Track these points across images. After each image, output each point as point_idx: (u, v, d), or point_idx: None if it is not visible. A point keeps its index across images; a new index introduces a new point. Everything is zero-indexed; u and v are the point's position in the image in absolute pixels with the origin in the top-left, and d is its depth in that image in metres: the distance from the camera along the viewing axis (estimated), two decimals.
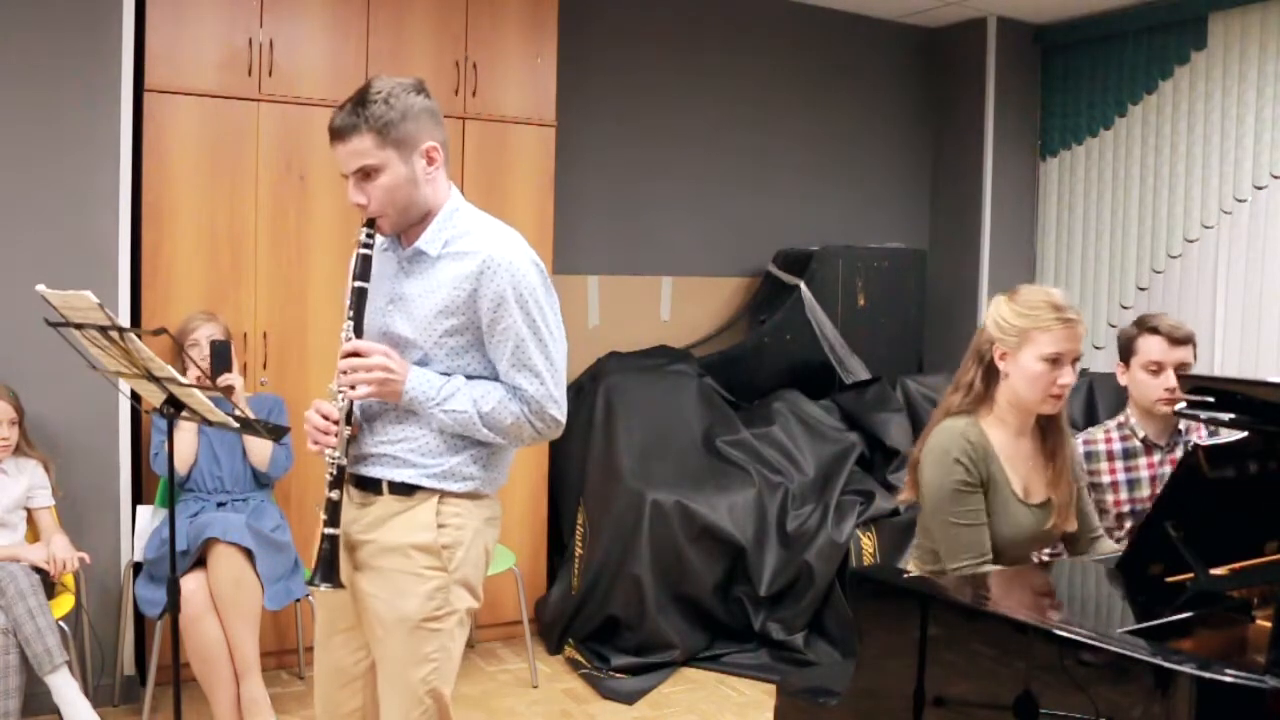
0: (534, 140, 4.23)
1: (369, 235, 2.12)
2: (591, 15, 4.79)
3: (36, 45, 3.44)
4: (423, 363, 2.13)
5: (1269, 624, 1.63)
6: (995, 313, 2.37)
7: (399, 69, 3.93)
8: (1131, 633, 1.66)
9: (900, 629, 1.86)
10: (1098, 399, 5.05)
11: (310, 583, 2.08)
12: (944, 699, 1.78)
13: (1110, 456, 2.85)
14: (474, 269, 2.09)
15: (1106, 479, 2.83)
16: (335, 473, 2.08)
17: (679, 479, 4.23)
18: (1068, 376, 2.30)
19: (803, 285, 4.95)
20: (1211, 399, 1.83)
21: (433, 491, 2.13)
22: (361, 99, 2.08)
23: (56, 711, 3.11)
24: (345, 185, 2.14)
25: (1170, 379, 2.80)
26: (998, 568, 2.27)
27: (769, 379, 4.94)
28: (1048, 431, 2.42)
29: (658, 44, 5.03)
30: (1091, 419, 5.04)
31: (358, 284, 2.11)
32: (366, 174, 2.08)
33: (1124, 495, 2.82)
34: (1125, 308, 5.34)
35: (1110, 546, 2.50)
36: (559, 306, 2.20)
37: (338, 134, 2.08)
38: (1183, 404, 1.89)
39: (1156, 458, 2.84)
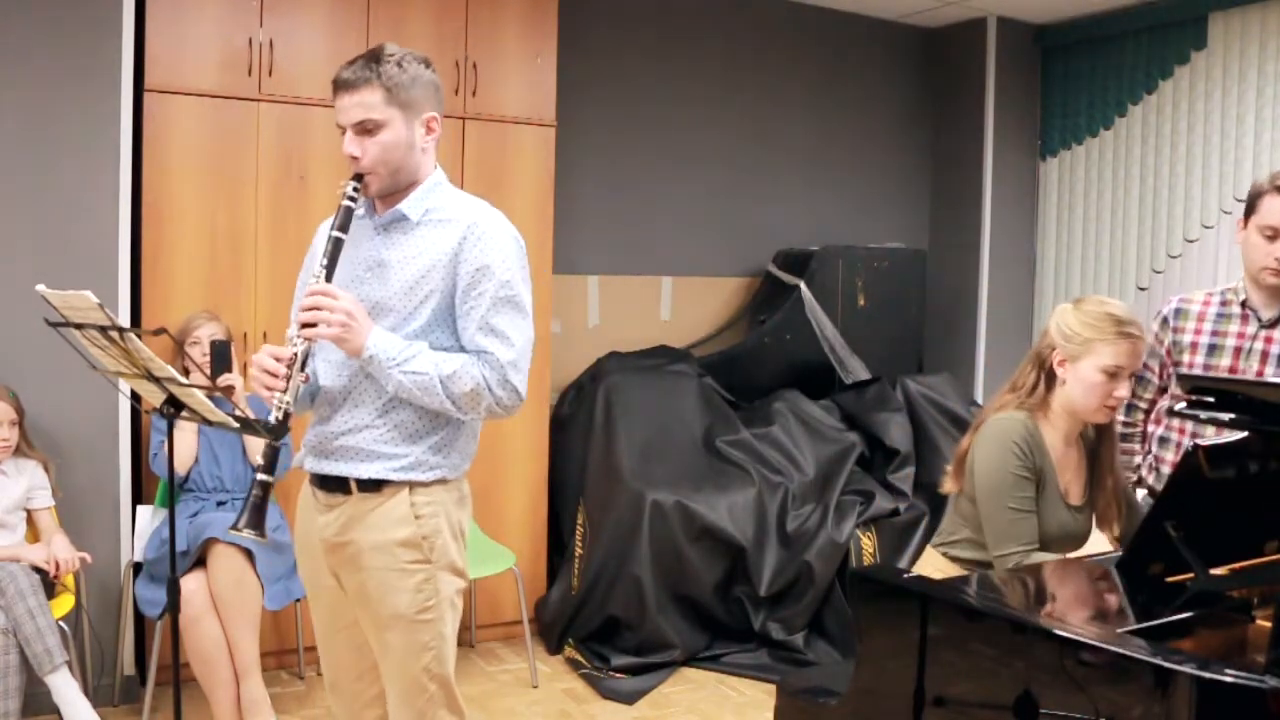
0: (534, 140, 4.22)
1: (355, 189, 2.11)
2: (591, 15, 4.79)
3: (37, 46, 3.44)
4: (392, 330, 2.12)
5: (1269, 624, 1.62)
6: (1060, 319, 2.40)
7: None
8: (1131, 633, 1.66)
9: (900, 629, 1.85)
10: None
11: (234, 528, 2.03)
12: (944, 699, 1.78)
13: (1200, 317, 2.64)
14: (457, 235, 2.11)
15: (1188, 338, 2.64)
16: (280, 418, 2.03)
17: (679, 479, 4.23)
18: (1124, 390, 2.34)
19: (803, 285, 4.95)
20: (1211, 399, 1.83)
21: (401, 484, 2.13)
22: (375, 56, 2.09)
23: (56, 711, 3.11)
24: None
25: None
26: (1039, 558, 2.29)
27: (769, 379, 4.94)
28: (1100, 439, 2.48)
29: (657, 44, 5.03)
30: None
31: (336, 234, 2.09)
32: (366, 129, 2.09)
33: (1200, 358, 2.62)
34: None
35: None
36: (531, 288, 2.21)
37: (347, 85, 2.09)
38: (1182, 404, 1.89)
39: (1251, 329, 2.56)
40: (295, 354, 2.05)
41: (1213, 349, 2.59)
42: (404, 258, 2.14)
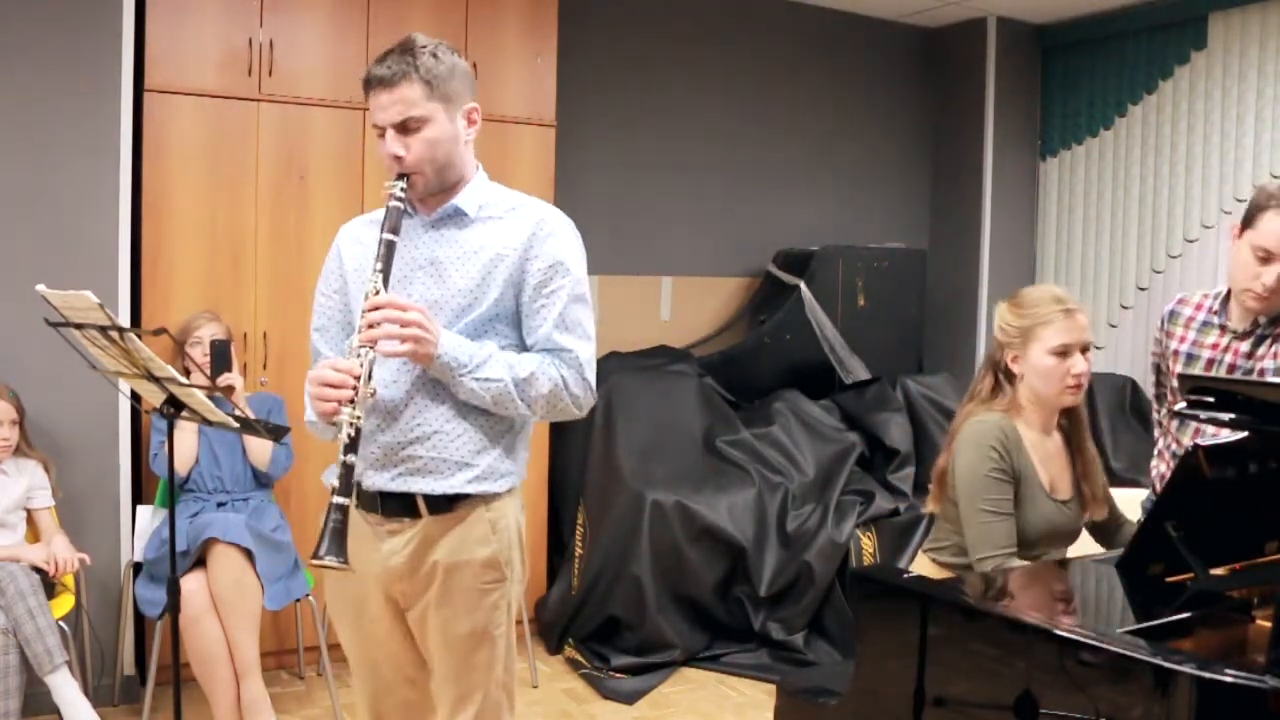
0: (534, 140, 4.22)
1: (403, 190, 1.99)
2: (591, 15, 4.79)
3: (37, 46, 3.44)
4: (449, 328, 2.01)
5: (1269, 624, 1.63)
6: (999, 319, 2.44)
7: None
8: (1131, 633, 1.66)
9: (900, 629, 1.85)
10: (1098, 399, 5.05)
11: (316, 556, 1.84)
12: (944, 699, 1.78)
13: (1188, 324, 2.57)
14: (525, 230, 2.03)
15: (1174, 345, 2.58)
16: (353, 434, 1.88)
17: (679, 479, 4.23)
18: (1080, 365, 2.34)
19: (803, 285, 4.95)
20: (1211, 399, 1.82)
21: (476, 499, 2.02)
22: (408, 49, 1.99)
23: (56, 711, 3.11)
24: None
25: (1271, 275, 2.30)
26: (1016, 564, 2.28)
27: (769, 379, 4.94)
28: (1071, 428, 2.48)
29: (657, 44, 5.03)
30: (1092, 419, 5.03)
31: (388, 236, 1.95)
32: (408, 127, 1.98)
33: (1179, 366, 2.57)
34: (1125, 308, 5.35)
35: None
36: None
37: (383, 81, 1.97)
38: (1182, 404, 1.88)
39: (1226, 340, 2.48)
40: (362, 366, 1.90)
41: (1190, 359, 2.57)
42: (463, 254, 2.03)
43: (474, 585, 2.04)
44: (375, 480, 2.02)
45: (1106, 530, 2.56)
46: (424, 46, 2.01)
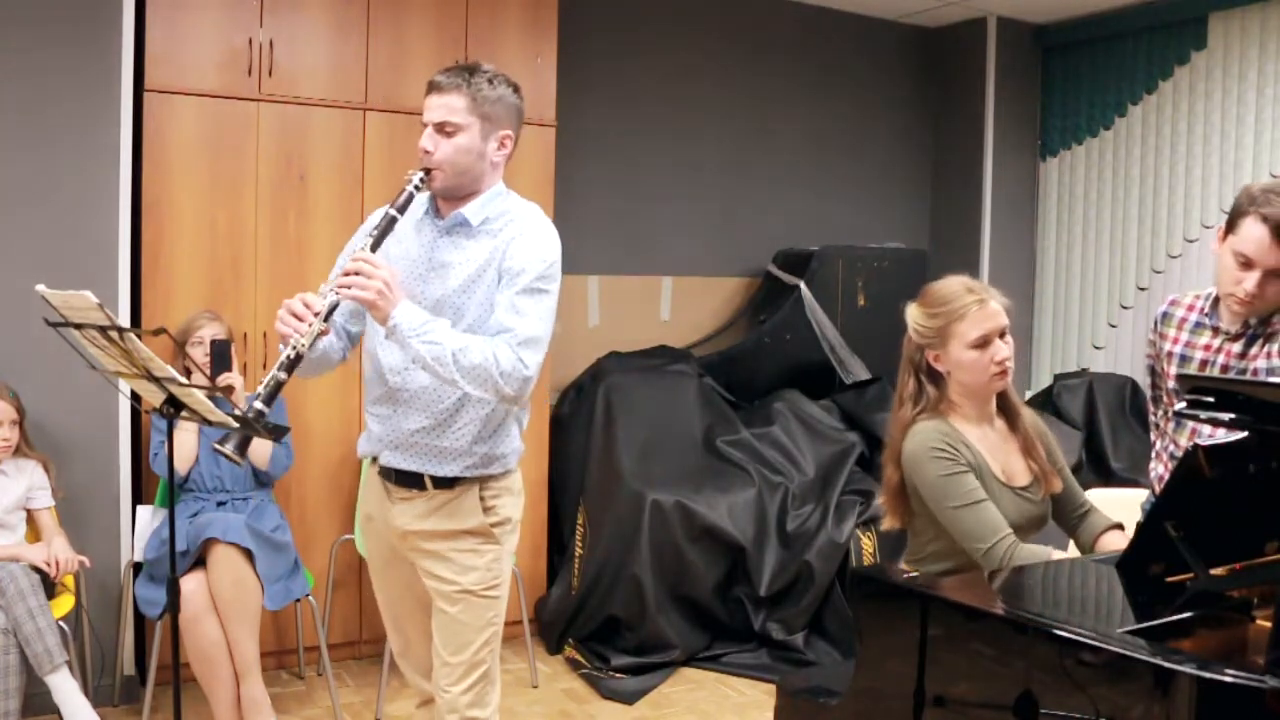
0: (534, 140, 4.22)
1: (422, 180, 2.25)
2: (591, 15, 4.79)
3: (36, 46, 3.44)
4: (450, 325, 2.25)
5: (1269, 624, 1.62)
6: (912, 320, 2.40)
7: (399, 69, 3.93)
8: (1131, 633, 1.66)
9: (900, 629, 1.86)
10: (1098, 399, 5.05)
11: (221, 442, 2.15)
12: (944, 699, 1.78)
13: (1180, 325, 2.55)
14: (508, 237, 2.28)
15: (1167, 346, 2.57)
16: (292, 357, 2.14)
17: (679, 479, 4.23)
18: (1003, 351, 2.33)
19: (803, 285, 4.95)
20: (1211, 399, 1.82)
21: (473, 480, 2.32)
22: (471, 69, 2.28)
23: (56, 711, 3.11)
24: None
25: (1251, 281, 2.30)
26: (1025, 548, 2.25)
27: (769, 379, 4.94)
28: (1004, 410, 2.46)
29: (657, 44, 5.04)
30: (1092, 419, 5.04)
31: (393, 212, 2.21)
32: (445, 131, 2.25)
33: (1173, 368, 2.56)
34: (1125, 308, 5.35)
35: (1100, 520, 2.46)
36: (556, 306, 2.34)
37: (437, 87, 2.27)
38: (1181, 405, 1.88)
39: (1218, 341, 2.47)
40: (325, 304, 2.15)
41: (1183, 360, 2.55)
42: (464, 259, 2.30)
43: (466, 546, 2.32)
44: (391, 459, 2.34)
45: (1067, 518, 2.50)
46: (485, 71, 2.29)
